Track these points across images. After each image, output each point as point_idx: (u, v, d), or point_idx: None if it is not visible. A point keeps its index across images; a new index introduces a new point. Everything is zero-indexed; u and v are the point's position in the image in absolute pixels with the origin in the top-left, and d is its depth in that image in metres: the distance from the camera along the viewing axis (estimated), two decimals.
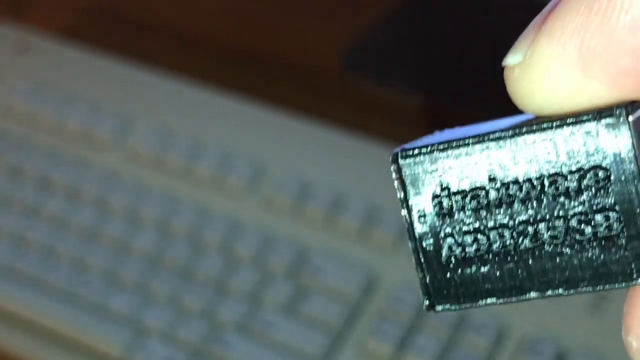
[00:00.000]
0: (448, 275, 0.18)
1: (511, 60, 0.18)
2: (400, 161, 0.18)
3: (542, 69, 0.17)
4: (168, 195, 0.63)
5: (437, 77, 0.72)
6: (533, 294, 0.17)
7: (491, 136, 0.17)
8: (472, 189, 0.18)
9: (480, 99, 0.70)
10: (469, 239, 0.18)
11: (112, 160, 0.65)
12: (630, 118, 0.16)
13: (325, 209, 0.60)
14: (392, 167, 0.18)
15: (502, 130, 0.17)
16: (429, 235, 0.18)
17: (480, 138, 0.17)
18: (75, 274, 0.60)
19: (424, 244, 0.18)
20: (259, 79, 0.73)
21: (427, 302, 0.18)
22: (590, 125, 0.17)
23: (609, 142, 0.16)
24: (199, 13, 0.79)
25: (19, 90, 0.70)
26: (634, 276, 0.17)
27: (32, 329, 0.58)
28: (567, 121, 0.17)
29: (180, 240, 0.60)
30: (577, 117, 0.17)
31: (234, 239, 0.60)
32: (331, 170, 0.63)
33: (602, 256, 0.17)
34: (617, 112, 0.16)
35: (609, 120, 0.16)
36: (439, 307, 0.18)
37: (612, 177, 0.17)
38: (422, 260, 0.18)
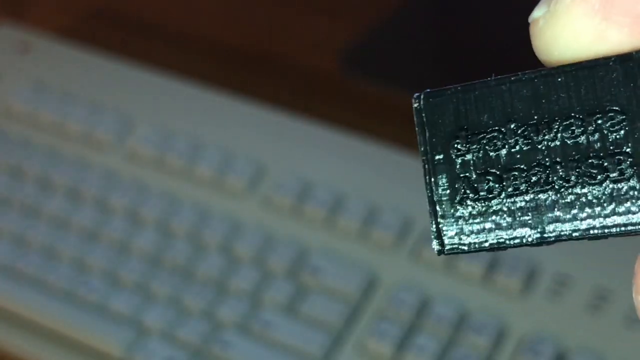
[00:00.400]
0: (461, 216, 0.18)
1: (536, 13, 0.18)
2: (423, 101, 0.19)
3: (565, 16, 0.17)
4: (168, 195, 0.63)
5: (437, 77, 0.72)
6: (545, 237, 0.17)
7: (512, 78, 0.18)
8: (490, 131, 0.18)
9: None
10: (483, 179, 0.18)
11: (112, 160, 0.65)
12: None
13: (325, 209, 0.60)
14: (414, 107, 0.19)
15: (523, 73, 0.18)
16: (445, 176, 0.18)
17: (501, 80, 0.18)
18: (76, 273, 0.60)
19: (439, 186, 0.18)
20: (259, 79, 0.73)
21: (437, 243, 0.18)
22: (609, 69, 0.17)
23: (626, 86, 0.17)
24: (199, 13, 0.79)
25: (19, 90, 0.70)
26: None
27: (33, 329, 0.58)
28: (586, 64, 0.17)
29: (180, 240, 0.61)
30: (597, 61, 0.17)
31: (234, 238, 0.60)
32: (331, 170, 0.63)
33: (612, 200, 0.17)
34: (636, 56, 0.17)
35: (628, 64, 0.17)
36: (449, 248, 0.18)
37: (628, 121, 0.17)
38: (435, 199, 0.18)
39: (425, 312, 0.56)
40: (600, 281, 0.55)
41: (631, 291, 0.18)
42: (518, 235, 0.17)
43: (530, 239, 0.17)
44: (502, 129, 0.18)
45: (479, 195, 0.18)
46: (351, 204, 0.60)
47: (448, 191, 0.18)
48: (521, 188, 0.17)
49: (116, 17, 0.79)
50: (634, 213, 0.16)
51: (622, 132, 0.17)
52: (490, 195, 0.18)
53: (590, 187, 0.17)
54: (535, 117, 0.17)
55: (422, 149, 0.18)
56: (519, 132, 0.17)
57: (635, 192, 0.16)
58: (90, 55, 0.72)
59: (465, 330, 0.54)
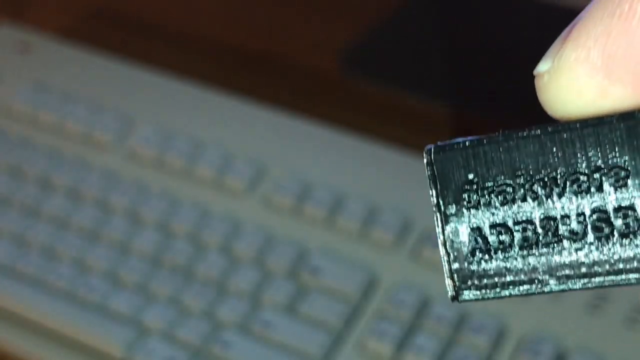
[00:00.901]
0: (473, 266, 0.19)
1: (541, 67, 0.18)
2: (434, 156, 0.19)
3: (568, 73, 0.18)
4: (168, 195, 0.63)
5: (437, 77, 0.72)
6: (552, 287, 0.18)
7: (519, 134, 0.18)
8: (499, 185, 0.19)
9: (480, 98, 0.70)
10: (494, 232, 0.19)
11: (112, 160, 0.66)
12: None
13: (325, 209, 0.60)
14: (425, 161, 0.19)
15: (529, 129, 0.18)
16: (457, 227, 0.19)
17: (509, 136, 0.18)
18: (76, 273, 0.60)
19: (451, 236, 0.19)
20: (259, 79, 0.73)
21: (451, 292, 0.19)
22: (612, 127, 0.17)
23: (630, 144, 0.17)
24: (199, 13, 0.79)
25: (19, 90, 0.70)
26: None
27: (33, 329, 0.58)
28: (591, 122, 0.18)
29: (180, 240, 0.61)
30: (601, 119, 0.18)
31: (234, 238, 0.60)
32: (331, 170, 0.63)
33: (619, 252, 0.17)
34: (638, 115, 0.17)
35: (629, 122, 0.17)
36: (462, 297, 0.19)
37: (631, 177, 0.17)
38: (449, 251, 0.19)
39: (425, 312, 0.56)
40: None
41: (631, 291, 0.18)
42: (527, 287, 0.18)
43: (539, 290, 0.18)
44: (511, 183, 0.18)
45: (490, 246, 0.19)
46: (351, 204, 0.60)
47: (460, 243, 0.19)
48: (530, 240, 0.18)
49: (116, 17, 0.79)
50: (638, 265, 0.17)
51: (626, 187, 0.17)
52: (501, 247, 0.19)
53: (598, 241, 0.18)
54: (543, 173, 0.18)
55: (434, 201, 0.19)
56: (527, 186, 0.18)
57: (638, 246, 0.17)
58: (91, 55, 0.72)
59: (465, 331, 0.55)
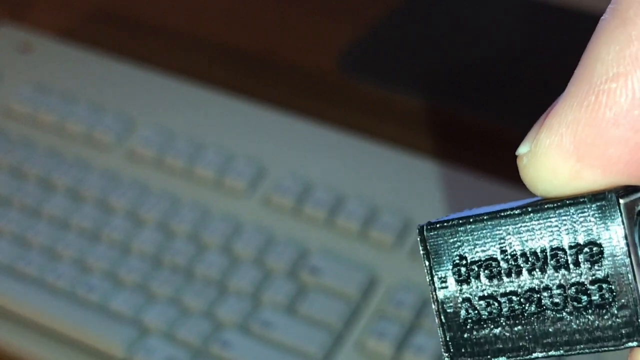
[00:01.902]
0: (465, 335, 0.21)
1: (521, 150, 0.20)
2: (426, 233, 0.21)
3: (543, 157, 0.19)
4: (168, 195, 0.63)
5: (436, 77, 0.72)
6: (538, 354, 0.20)
7: (502, 213, 0.20)
8: (486, 260, 0.20)
9: (479, 99, 0.70)
10: (483, 303, 0.20)
11: (112, 160, 0.66)
12: (621, 201, 0.19)
13: (325, 209, 0.60)
14: (419, 239, 0.21)
15: (511, 209, 0.20)
16: (449, 300, 0.21)
17: (493, 215, 0.20)
18: (76, 273, 0.60)
19: (445, 307, 0.21)
20: (259, 79, 0.73)
21: (447, 358, 0.21)
22: (586, 207, 0.19)
23: (602, 222, 0.19)
24: (199, 14, 0.79)
25: (20, 90, 0.70)
26: (624, 340, 0.19)
27: (34, 328, 0.59)
28: (567, 202, 0.19)
29: (180, 240, 0.61)
30: (575, 199, 0.19)
31: (234, 238, 0.60)
32: (331, 170, 0.63)
33: (596, 322, 0.19)
34: (609, 196, 0.19)
35: (601, 202, 0.19)
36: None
37: (605, 253, 0.19)
38: (443, 321, 0.21)
39: (425, 312, 0.56)
40: None
41: None
42: (515, 354, 0.20)
43: (525, 356, 0.20)
44: (497, 258, 0.20)
45: (480, 317, 0.20)
46: (351, 204, 0.60)
47: (453, 313, 0.21)
48: (517, 311, 0.20)
49: (116, 18, 0.79)
50: (614, 332, 0.19)
51: (601, 262, 0.19)
52: (490, 317, 0.20)
53: (577, 311, 0.19)
54: (525, 248, 0.20)
55: (428, 275, 0.21)
56: (511, 261, 0.20)
57: (613, 316, 0.19)
58: (91, 55, 0.73)
59: None
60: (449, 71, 0.72)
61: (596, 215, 0.19)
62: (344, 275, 0.58)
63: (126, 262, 0.60)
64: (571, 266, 0.19)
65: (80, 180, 0.64)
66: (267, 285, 0.58)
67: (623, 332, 0.19)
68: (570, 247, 0.19)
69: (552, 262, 0.19)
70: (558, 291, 0.19)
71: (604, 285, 0.19)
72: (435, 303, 0.21)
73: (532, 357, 0.20)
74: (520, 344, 0.20)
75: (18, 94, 0.70)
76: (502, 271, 0.20)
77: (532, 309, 0.20)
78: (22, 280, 0.60)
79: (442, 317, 0.21)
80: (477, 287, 0.20)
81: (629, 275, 0.19)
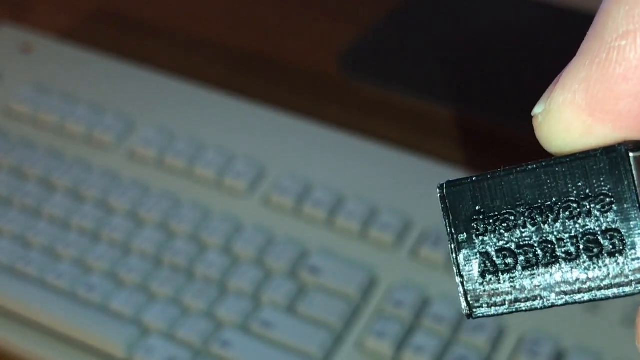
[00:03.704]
0: (483, 287, 0.22)
1: (536, 110, 0.21)
2: (446, 190, 0.22)
3: (557, 114, 0.20)
4: (169, 195, 0.63)
5: (436, 77, 0.72)
6: (553, 302, 0.21)
7: (518, 169, 0.21)
8: (503, 213, 0.21)
9: (479, 98, 0.70)
10: (500, 255, 0.21)
11: (113, 160, 0.66)
12: (632, 154, 0.20)
13: (325, 209, 0.61)
14: (439, 196, 0.22)
15: (527, 164, 0.21)
16: (468, 253, 0.22)
17: (509, 171, 0.21)
18: (77, 273, 0.60)
19: (463, 260, 0.22)
20: (259, 80, 0.73)
21: (466, 310, 0.22)
22: (597, 160, 0.20)
23: (613, 174, 0.20)
24: (199, 14, 0.79)
25: (20, 90, 0.70)
26: (636, 286, 0.20)
27: (34, 328, 0.59)
28: (579, 156, 0.20)
29: (181, 240, 0.61)
30: (587, 153, 0.20)
31: (234, 238, 0.60)
32: (331, 170, 0.63)
33: (609, 269, 0.20)
34: (620, 149, 0.20)
35: (612, 155, 0.20)
36: (476, 313, 0.22)
37: (615, 204, 0.20)
38: (462, 273, 0.22)
39: (424, 311, 0.56)
40: None
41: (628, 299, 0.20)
42: (531, 304, 0.21)
43: (541, 305, 0.21)
44: (512, 212, 0.21)
45: (497, 268, 0.21)
46: (351, 204, 0.60)
47: (471, 266, 0.22)
48: (532, 262, 0.21)
49: (117, 18, 0.79)
50: (625, 278, 0.20)
51: (611, 212, 0.20)
52: (507, 268, 0.21)
53: (589, 260, 0.20)
54: (539, 202, 0.21)
55: (447, 230, 0.22)
56: (527, 214, 0.21)
57: (626, 264, 0.20)
58: (91, 55, 0.73)
59: (464, 330, 0.55)
60: (448, 71, 0.72)
61: (607, 168, 0.20)
62: (344, 275, 0.58)
63: (126, 262, 0.60)
64: (583, 217, 0.20)
65: (81, 180, 0.64)
66: (267, 285, 0.58)
67: (634, 278, 0.20)
68: (582, 199, 0.20)
69: (565, 213, 0.21)
70: (571, 241, 0.21)
71: (616, 234, 0.20)
72: (455, 258, 0.22)
73: (547, 305, 0.21)
74: (536, 293, 0.21)
75: (18, 94, 0.70)
76: (518, 224, 0.21)
77: (547, 259, 0.21)
78: (22, 280, 0.60)
79: (461, 270, 0.22)
80: (495, 241, 0.21)
81: (639, 225, 0.20)
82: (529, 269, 0.21)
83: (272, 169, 0.63)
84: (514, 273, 0.21)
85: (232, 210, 0.62)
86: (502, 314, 0.22)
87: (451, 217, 0.22)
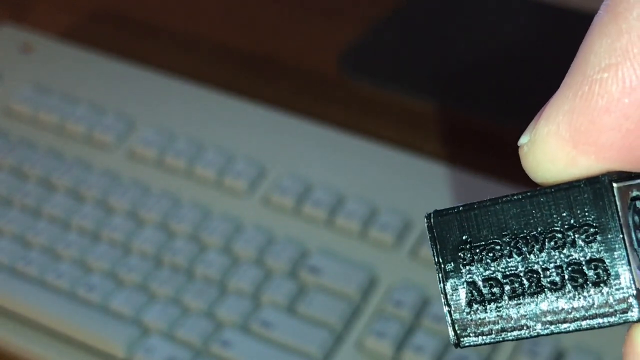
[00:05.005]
0: (470, 316, 0.22)
1: (522, 140, 0.21)
2: (433, 220, 0.22)
3: (542, 145, 0.21)
4: (169, 195, 0.63)
5: (436, 77, 0.72)
6: (540, 332, 0.21)
7: (503, 199, 0.21)
8: (489, 243, 0.21)
9: (479, 98, 0.70)
10: (486, 284, 0.22)
11: (113, 160, 0.66)
12: (615, 185, 0.20)
13: (325, 209, 0.61)
14: (426, 226, 0.22)
15: (512, 195, 0.21)
16: (455, 282, 0.22)
17: (495, 200, 0.21)
18: (77, 273, 0.60)
19: (450, 289, 0.22)
20: (259, 80, 0.73)
21: (453, 338, 0.22)
22: (582, 190, 0.20)
23: (597, 205, 0.20)
24: (199, 14, 0.79)
25: (20, 90, 0.70)
26: (620, 316, 0.20)
27: (34, 328, 0.59)
28: (563, 187, 0.20)
29: (181, 240, 0.61)
30: (572, 184, 0.20)
31: (234, 238, 0.60)
32: (331, 170, 0.63)
33: (593, 299, 0.20)
34: (603, 179, 0.20)
35: (596, 185, 0.20)
36: (463, 342, 0.22)
37: (599, 234, 0.20)
38: (449, 302, 0.22)
39: (424, 311, 0.56)
40: None
41: None
42: (517, 333, 0.21)
43: (527, 335, 0.21)
44: (498, 241, 0.21)
45: (484, 298, 0.21)
46: (351, 204, 0.61)
47: (458, 295, 0.22)
48: (518, 291, 0.21)
49: (116, 18, 0.79)
50: (610, 308, 0.20)
51: (596, 242, 0.20)
52: (493, 298, 0.21)
53: (574, 290, 0.20)
54: (525, 231, 0.21)
55: (435, 259, 0.22)
56: (512, 244, 0.21)
57: (610, 294, 0.20)
58: (92, 55, 0.73)
59: None
60: (449, 71, 0.72)
61: (591, 198, 0.20)
62: (344, 275, 0.58)
63: (126, 262, 0.60)
64: (568, 247, 0.20)
65: (81, 180, 0.64)
66: (267, 285, 0.58)
67: (618, 308, 0.20)
68: (567, 229, 0.20)
69: (550, 243, 0.21)
70: (556, 271, 0.21)
71: (600, 264, 0.20)
72: (442, 287, 0.22)
73: (533, 334, 0.21)
74: (522, 322, 0.21)
75: (18, 94, 0.70)
76: (504, 253, 0.21)
77: (532, 289, 0.21)
78: (22, 280, 0.60)
79: (448, 299, 0.22)
80: (481, 270, 0.21)
81: (623, 255, 0.20)
82: (515, 299, 0.21)
83: (272, 169, 0.63)
84: (500, 302, 0.21)
85: (232, 210, 0.62)
86: (489, 343, 0.22)
87: (438, 247, 0.22)
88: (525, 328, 0.21)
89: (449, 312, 0.22)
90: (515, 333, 0.21)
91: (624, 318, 0.20)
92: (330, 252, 0.59)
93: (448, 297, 0.22)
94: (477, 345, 0.22)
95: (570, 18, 0.69)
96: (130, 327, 0.57)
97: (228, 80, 0.71)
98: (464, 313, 0.22)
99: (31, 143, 0.67)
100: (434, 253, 0.22)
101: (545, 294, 0.21)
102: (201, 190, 0.63)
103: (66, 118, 0.68)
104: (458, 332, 0.22)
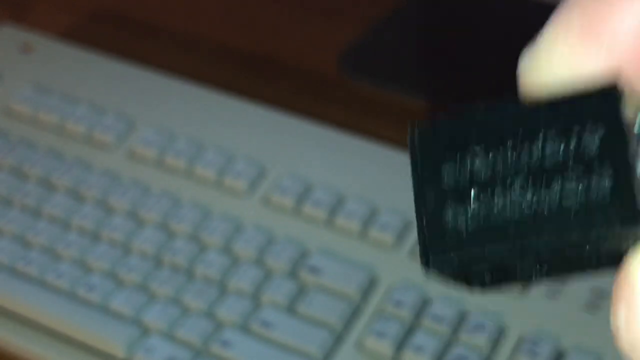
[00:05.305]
0: (446, 235, 0.19)
1: (527, 50, 0.19)
2: (416, 130, 0.20)
3: (550, 42, 0.18)
4: (169, 195, 0.63)
5: (436, 77, 0.72)
6: (524, 246, 0.18)
7: (496, 105, 0.19)
8: (476, 153, 0.19)
9: (479, 99, 0.70)
10: (471, 197, 0.19)
11: (113, 160, 0.66)
12: (624, 90, 0.18)
13: (325, 209, 0.61)
14: (409, 137, 0.20)
15: (507, 99, 0.19)
16: (433, 196, 0.19)
17: (486, 107, 0.19)
18: (77, 273, 0.60)
19: (427, 203, 0.19)
20: (259, 80, 0.73)
21: (423, 259, 0.19)
22: (591, 93, 0.18)
23: (605, 108, 0.18)
24: (199, 14, 0.79)
25: (20, 90, 0.70)
26: (614, 223, 0.17)
27: (34, 328, 0.59)
28: (569, 92, 0.18)
29: (181, 240, 0.61)
30: (579, 89, 0.18)
31: (234, 238, 0.60)
32: (331, 170, 0.63)
33: (590, 203, 0.18)
34: (613, 83, 0.18)
35: (606, 88, 0.18)
36: (432, 262, 0.19)
37: (606, 138, 0.18)
38: (424, 218, 0.19)
39: (424, 311, 0.56)
40: (599, 281, 0.55)
41: None
42: (500, 246, 0.18)
43: (510, 249, 0.18)
44: (490, 149, 0.19)
45: (467, 213, 0.19)
46: (351, 204, 0.61)
47: (436, 212, 0.19)
48: (507, 202, 0.18)
49: (116, 18, 0.79)
50: (607, 216, 0.18)
51: (602, 147, 0.18)
52: (477, 206, 0.19)
53: (572, 194, 0.18)
54: (519, 138, 0.18)
55: (413, 169, 0.20)
56: (505, 152, 0.19)
57: (608, 197, 0.18)
58: (92, 55, 0.73)
59: (464, 330, 0.55)
60: (449, 71, 0.72)
61: (600, 102, 0.18)
62: (344, 275, 0.58)
63: (126, 262, 0.60)
64: (571, 152, 0.18)
65: (81, 180, 0.64)
66: (267, 285, 0.58)
67: (615, 212, 0.18)
68: (569, 133, 0.18)
69: (548, 148, 0.18)
70: (555, 175, 0.18)
71: (605, 169, 0.18)
72: (418, 199, 0.20)
73: (519, 251, 0.18)
74: (506, 239, 0.18)
75: (18, 94, 0.70)
76: (493, 158, 0.19)
77: (528, 198, 0.18)
78: (22, 280, 0.60)
79: (423, 213, 0.19)
80: (465, 182, 0.19)
81: (628, 159, 0.18)
82: (503, 211, 0.18)
83: (272, 169, 0.63)
84: (484, 218, 0.18)
85: (232, 210, 0.62)
86: (467, 262, 0.19)
87: (418, 159, 0.20)
88: (509, 243, 0.18)
89: (423, 228, 0.19)
90: (498, 248, 0.18)
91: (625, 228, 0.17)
92: (330, 252, 0.59)
93: (423, 212, 0.19)
94: (451, 266, 0.19)
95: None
96: (130, 327, 0.57)
97: (228, 80, 0.71)
98: (440, 231, 0.19)
99: (31, 143, 0.67)
100: (413, 163, 0.20)
101: (538, 199, 0.18)
102: (201, 190, 0.63)
103: (66, 118, 0.68)
104: (430, 251, 0.19)
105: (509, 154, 0.19)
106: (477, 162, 0.19)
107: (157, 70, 0.71)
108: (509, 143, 0.19)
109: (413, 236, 0.59)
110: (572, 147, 0.18)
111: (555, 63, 0.18)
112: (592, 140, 0.18)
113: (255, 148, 0.65)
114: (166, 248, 0.60)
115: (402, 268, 0.58)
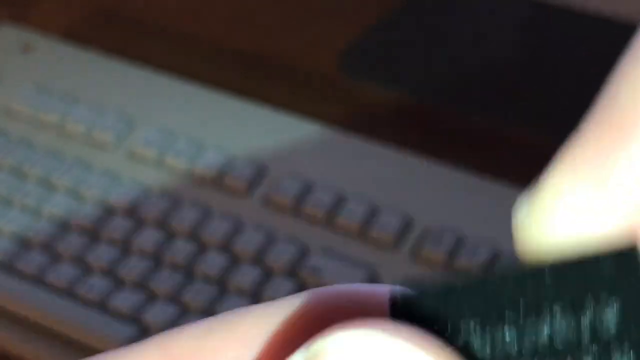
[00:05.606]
0: None
1: (517, 209, 0.16)
2: (398, 301, 0.16)
3: (554, 191, 0.15)
4: (169, 195, 0.63)
5: (436, 77, 0.72)
6: None
7: (491, 272, 0.16)
8: (469, 330, 0.16)
9: (479, 99, 0.70)
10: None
11: (113, 160, 0.66)
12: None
13: (325, 209, 0.61)
14: (389, 308, 0.16)
15: (506, 268, 0.16)
16: None
17: (478, 274, 0.16)
18: (77, 272, 0.60)
19: None
20: (259, 79, 0.73)
21: None
22: (605, 255, 0.15)
23: (622, 276, 0.15)
24: (199, 14, 0.79)
25: (20, 90, 0.70)
26: None
27: (33, 328, 0.59)
28: (578, 253, 0.15)
29: (181, 240, 0.61)
30: (589, 250, 0.15)
31: (234, 238, 0.60)
32: (331, 170, 0.63)
33: None
34: (632, 244, 0.15)
35: (623, 251, 0.15)
36: None
37: (623, 312, 0.15)
38: None
39: None
40: None
41: None
42: None
43: None
44: (483, 320, 0.16)
45: None
46: (351, 204, 0.61)
47: None
48: None
49: (116, 18, 0.79)
50: None
51: (616, 318, 0.15)
52: None
53: None
54: (522, 304, 0.16)
55: None
56: (503, 320, 0.16)
57: None
58: (92, 55, 0.73)
59: None
60: (448, 71, 0.72)
61: (612, 268, 0.15)
62: (344, 275, 0.58)
63: (126, 261, 0.60)
64: (584, 325, 0.15)
65: (81, 180, 0.64)
66: (267, 285, 0.58)
67: None
68: (580, 302, 0.15)
69: (556, 321, 0.15)
70: (569, 350, 0.15)
71: (624, 346, 0.15)
72: None
73: None
74: None
75: (18, 94, 0.70)
76: (502, 333, 0.16)
77: None
78: (22, 279, 0.60)
79: None
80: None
81: None
82: None
83: (272, 169, 0.63)
84: None
85: (232, 210, 0.62)
86: None
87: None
88: None
89: None
90: None
91: None
92: (330, 252, 0.59)
93: None
94: None
95: (572, 18, 0.69)
96: (130, 326, 0.57)
97: (228, 80, 0.71)
98: None
99: (31, 143, 0.67)
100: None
101: None
102: (201, 190, 0.63)
103: (66, 118, 0.68)
104: None
105: (510, 331, 0.16)
106: (472, 340, 0.16)
107: (157, 70, 0.71)
108: (509, 318, 0.16)
109: (413, 236, 0.59)
110: (585, 324, 0.15)
111: (561, 217, 0.15)
112: (608, 316, 0.15)
113: (255, 148, 0.65)
114: (166, 248, 0.60)
115: (402, 268, 0.58)
